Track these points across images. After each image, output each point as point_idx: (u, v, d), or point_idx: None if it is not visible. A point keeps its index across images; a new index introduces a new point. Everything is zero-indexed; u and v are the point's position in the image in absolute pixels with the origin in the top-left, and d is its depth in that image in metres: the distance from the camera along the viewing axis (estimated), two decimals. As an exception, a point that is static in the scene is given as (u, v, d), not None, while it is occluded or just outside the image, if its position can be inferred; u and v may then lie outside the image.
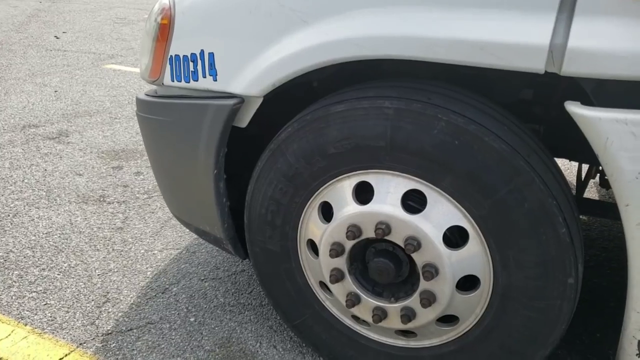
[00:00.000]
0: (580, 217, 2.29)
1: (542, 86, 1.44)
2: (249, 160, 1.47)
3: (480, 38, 0.95)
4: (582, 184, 1.88)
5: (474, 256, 1.16)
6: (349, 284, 1.30)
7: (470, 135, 1.06)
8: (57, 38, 5.82)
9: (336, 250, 1.26)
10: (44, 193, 2.52)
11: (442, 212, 1.15)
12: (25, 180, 2.64)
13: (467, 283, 1.21)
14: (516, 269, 1.13)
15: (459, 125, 1.06)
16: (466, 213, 1.13)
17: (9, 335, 1.64)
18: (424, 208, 1.17)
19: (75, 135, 3.21)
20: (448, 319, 1.27)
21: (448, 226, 1.16)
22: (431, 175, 1.12)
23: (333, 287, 1.33)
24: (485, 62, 0.96)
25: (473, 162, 1.07)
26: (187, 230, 2.16)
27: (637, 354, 1.13)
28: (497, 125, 1.08)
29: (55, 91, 4.06)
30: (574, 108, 0.95)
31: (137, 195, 2.49)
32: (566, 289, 1.11)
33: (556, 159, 2.85)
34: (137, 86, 4.24)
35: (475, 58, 0.97)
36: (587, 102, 0.96)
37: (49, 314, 1.73)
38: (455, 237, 1.19)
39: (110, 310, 1.74)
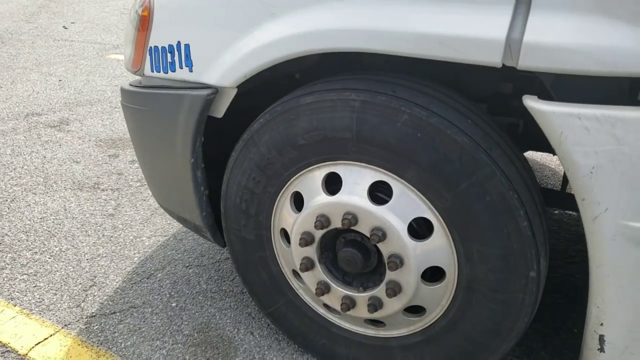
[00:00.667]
0: (569, 212, 2.28)
1: (521, 80, 1.44)
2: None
3: (438, 32, 0.96)
4: (567, 178, 1.88)
5: (439, 248, 1.18)
6: (319, 273, 1.32)
7: (433, 128, 1.07)
8: (66, 28, 5.90)
9: (306, 239, 1.28)
10: (42, 179, 2.57)
11: (407, 204, 1.17)
12: (25, 167, 2.70)
13: (434, 275, 1.23)
14: (479, 261, 1.14)
15: (421, 118, 1.08)
16: (430, 205, 1.15)
17: (-3, 315, 1.69)
18: (389, 199, 1.18)
19: (76, 124, 3.27)
20: (415, 310, 1.29)
21: (413, 217, 1.17)
22: (396, 167, 1.14)
23: (304, 276, 1.35)
24: (444, 55, 0.98)
25: (435, 155, 1.08)
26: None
27: (598, 349, 1.13)
28: (461, 118, 1.09)
29: (60, 80, 4.13)
30: (531, 102, 0.96)
31: (131, 183, 2.54)
32: (528, 282, 1.13)
33: (541, 153, 2.82)
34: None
35: (435, 52, 0.98)
36: (548, 96, 0.97)
37: (38, 296, 1.78)
38: (422, 229, 1.21)
39: (96, 293, 1.79)
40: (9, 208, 2.32)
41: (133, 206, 2.33)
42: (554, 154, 1.77)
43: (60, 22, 6.23)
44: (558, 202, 1.84)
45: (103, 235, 2.12)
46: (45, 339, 1.60)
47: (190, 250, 2.02)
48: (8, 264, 1.95)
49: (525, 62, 0.93)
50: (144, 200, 2.39)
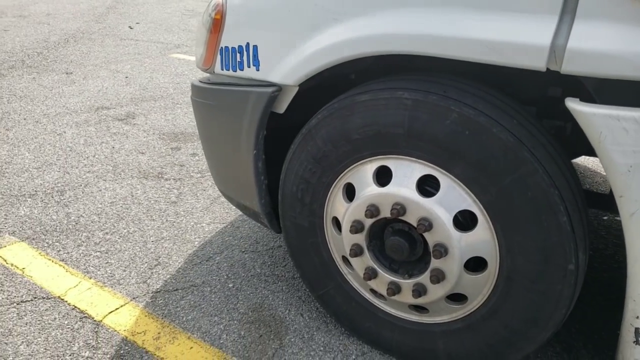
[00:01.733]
0: (618, 218, 2.28)
1: (570, 84, 1.49)
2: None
3: (487, 37, 1.05)
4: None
5: (482, 239, 1.26)
6: (367, 259, 1.42)
7: (480, 126, 1.16)
8: (131, 28, 6.26)
9: (356, 227, 1.39)
10: (111, 168, 2.81)
11: (453, 197, 1.25)
12: (96, 156, 2.95)
13: (477, 265, 1.30)
14: (520, 253, 1.21)
15: (469, 117, 1.16)
16: (475, 199, 1.23)
17: (77, 285, 1.90)
18: (437, 192, 1.27)
19: (141, 118, 3.52)
20: (458, 298, 1.37)
21: (458, 210, 1.26)
22: (444, 162, 1.23)
23: (353, 261, 1.46)
24: (491, 59, 1.06)
25: (481, 152, 1.17)
26: (232, 206, 2.36)
27: (634, 341, 1.18)
28: (507, 118, 1.17)
29: (126, 77, 4.42)
30: (572, 104, 1.03)
31: (192, 174, 2.73)
32: (566, 274, 1.19)
33: (594, 159, 2.79)
34: (199, 74, 4.53)
35: (483, 55, 1.06)
36: (590, 99, 1.04)
37: (109, 271, 1.98)
38: (466, 221, 1.29)
39: (160, 272, 1.97)
40: (83, 192, 2.56)
41: (194, 195, 2.51)
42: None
43: (126, 22, 6.62)
44: (608, 206, 1.85)
45: (167, 220, 2.30)
46: (117, 308, 1.78)
47: (246, 237, 2.17)
48: (83, 242, 2.16)
49: (569, 67, 1.00)
50: (204, 190, 2.57)
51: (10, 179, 2.70)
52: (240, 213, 2.37)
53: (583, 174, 2.71)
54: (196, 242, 2.15)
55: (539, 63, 1.02)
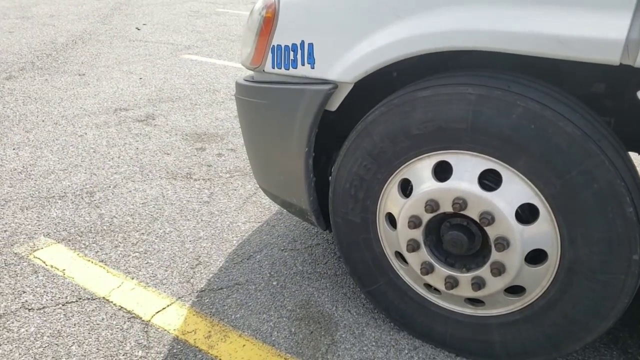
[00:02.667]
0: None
1: (615, 80, 1.51)
2: (334, 140, 1.64)
3: (559, 32, 1.07)
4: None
5: (544, 232, 1.28)
6: (424, 254, 1.44)
7: (546, 120, 1.17)
8: (138, 30, 6.25)
9: (414, 222, 1.40)
10: (138, 169, 2.81)
11: (515, 190, 1.27)
12: (121, 157, 2.95)
13: (536, 256, 1.32)
14: (583, 244, 1.23)
15: (535, 111, 1.18)
16: (538, 192, 1.25)
17: (120, 286, 1.90)
18: (498, 186, 1.29)
19: (161, 119, 3.52)
20: (515, 290, 1.39)
21: (521, 203, 1.27)
22: (507, 156, 1.24)
23: (409, 256, 1.47)
24: (563, 54, 1.08)
25: (547, 145, 1.18)
26: (267, 205, 2.38)
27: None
28: (571, 112, 1.19)
29: (140, 78, 4.41)
30: (646, 96, 1.05)
31: (220, 174, 2.74)
32: (630, 264, 1.21)
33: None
34: (213, 75, 4.53)
35: (555, 50, 1.08)
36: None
37: (151, 271, 1.98)
38: (525, 214, 1.31)
39: (202, 271, 1.97)
40: (112, 194, 2.56)
41: (225, 195, 2.52)
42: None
43: (132, 23, 6.61)
44: None
45: (201, 220, 2.31)
46: (164, 308, 1.79)
47: (283, 236, 2.19)
48: (120, 243, 2.16)
49: (644, 60, 1.02)
50: (235, 190, 2.58)
51: (37, 180, 2.70)
52: (275, 212, 2.38)
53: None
54: (234, 241, 2.16)
55: (613, 57, 1.04)
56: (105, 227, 2.27)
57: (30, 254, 2.11)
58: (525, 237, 1.28)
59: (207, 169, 2.79)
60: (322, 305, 1.78)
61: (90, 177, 2.72)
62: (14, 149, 3.06)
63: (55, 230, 2.26)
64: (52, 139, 3.21)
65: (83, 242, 2.18)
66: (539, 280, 1.33)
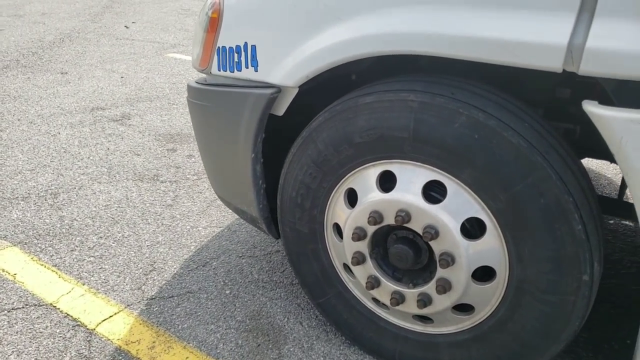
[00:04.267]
0: (625, 222, 2.23)
1: (580, 85, 1.44)
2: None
3: (499, 37, 0.99)
4: (623, 186, 1.85)
5: (491, 248, 1.20)
6: (370, 268, 1.37)
7: (490, 130, 1.10)
8: (127, 28, 6.19)
9: (358, 234, 1.33)
10: (106, 170, 2.74)
11: (460, 204, 1.20)
12: (91, 157, 2.89)
13: (484, 274, 1.25)
14: (531, 262, 1.16)
15: (479, 120, 1.11)
16: (484, 205, 1.17)
17: (70, 292, 1.83)
18: (443, 198, 1.22)
19: (136, 118, 3.45)
20: (464, 308, 1.31)
21: (466, 217, 1.20)
22: (451, 167, 1.17)
23: (355, 269, 1.40)
24: (503, 60, 1.00)
25: (491, 156, 1.11)
26: (229, 210, 2.30)
27: (650, 356, 1.13)
28: (518, 121, 1.12)
29: (122, 77, 4.35)
30: (591, 107, 0.97)
31: (188, 176, 2.67)
32: (581, 285, 1.13)
33: (598, 161, 2.76)
34: (195, 74, 4.46)
35: (495, 56, 1.01)
36: (609, 102, 0.98)
37: (103, 277, 1.92)
38: (474, 228, 1.24)
39: (155, 278, 1.91)
40: (77, 195, 2.49)
41: (190, 198, 2.45)
42: (612, 161, 1.75)
43: (122, 21, 6.55)
44: (614, 210, 1.81)
45: (162, 224, 2.24)
46: (111, 316, 1.72)
47: (243, 242, 2.12)
48: (77, 246, 2.10)
49: (587, 67, 0.94)
50: (201, 192, 2.51)
51: (3, 181, 2.63)
52: (237, 216, 2.31)
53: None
54: (192, 247, 2.09)
55: (554, 64, 0.96)
56: (64, 230, 2.21)
57: (-16, 256, 2.04)
58: (471, 253, 1.21)
59: (175, 171, 2.72)
60: (273, 316, 1.71)
61: (56, 178, 2.66)
62: (-16, 148, 3.01)
63: (13, 233, 2.20)
64: (25, 139, 3.15)
65: (39, 245, 2.11)
66: (488, 299, 1.26)
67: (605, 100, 0.99)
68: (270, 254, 2.04)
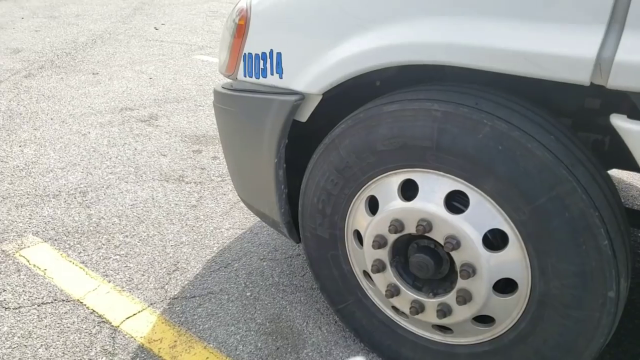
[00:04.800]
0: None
1: (610, 97, 1.41)
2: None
3: (525, 48, 0.98)
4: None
5: (513, 260, 1.19)
6: (390, 276, 1.37)
7: (514, 141, 1.09)
8: (156, 29, 6.31)
9: (379, 242, 1.33)
10: (133, 169, 2.80)
11: (483, 214, 1.19)
12: (118, 157, 2.96)
13: (506, 286, 1.24)
14: (554, 276, 1.14)
15: (503, 131, 1.10)
16: (507, 217, 1.16)
17: (96, 289, 1.88)
18: (466, 209, 1.21)
19: (164, 119, 3.52)
20: (485, 320, 1.30)
21: (488, 229, 1.19)
22: (474, 177, 1.16)
23: (375, 277, 1.40)
24: (529, 72, 0.99)
25: (515, 168, 1.10)
26: (252, 212, 2.32)
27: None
28: (543, 133, 1.10)
29: (150, 78, 4.44)
30: (619, 121, 0.95)
31: (212, 178, 2.71)
32: (606, 302, 1.11)
33: (628, 172, 2.69)
34: (221, 77, 4.52)
35: (519, 68, 1.00)
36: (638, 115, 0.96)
37: (128, 275, 1.96)
38: (496, 240, 1.22)
39: (178, 278, 1.94)
40: (104, 194, 2.56)
41: (214, 199, 2.49)
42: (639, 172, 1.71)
43: (152, 23, 6.68)
44: None
45: (186, 225, 2.28)
46: (134, 314, 1.76)
47: (265, 244, 2.14)
48: (104, 244, 2.15)
49: (616, 81, 0.93)
50: (224, 194, 2.54)
51: (36, 178, 2.72)
52: (260, 219, 2.33)
53: (619, 187, 2.60)
54: (215, 248, 2.12)
55: (582, 77, 0.95)
56: (91, 228, 2.27)
57: (17, 252, 2.11)
58: (493, 264, 1.19)
59: (200, 172, 2.77)
60: (292, 320, 1.72)
61: (85, 177, 2.73)
62: (20, 146, 3.11)
63: (44, 229, 2.27)
64: (57, 137, 3.24)
65: (68, 242, 2.18)
66: (509, 312, 1.24)
67: (635, 113, 0.97)
68: (291, 257, 2.06)
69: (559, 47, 0.96)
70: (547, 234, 1.11)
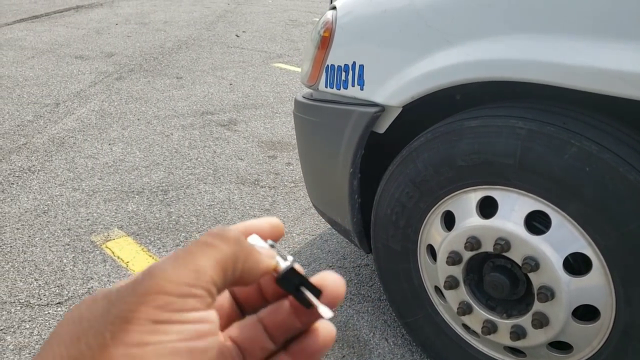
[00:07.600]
0: None
1: None
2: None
3: (618, 68, 0.95)
4: None
5: (596, 287, 1.14)
6: (463, 293, 1.35)
7: (604, 163, 1.05)
8: (237, 37, 6.59)
9: (453, 258, 1.32)
10: (211, 171, 2.95)
11: (565, 237, 1.15)
12: (199, 159, 3.11)
13: (587, 313, 1.18)
14: (642, 308, 1.08)
15: (592, 153, 1.06)
16: (591, 241, 1.11)
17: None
18: (547, 230, 1.17)
19: (242, 125, 3.67)
20: (562, 346, 1.25)
21: (570, 252, 1.15)
22: (557, 198, 1.13)
23: (447, 294, 1.39)
24: (625, 93, 0.96)
25: (603, 191, 1.06)
26: (323, 219, 2.37)
27: None
28: (635, 156, 1.05)
29: (230, 84, 4.64)
30: None
31: (286, 183, 2.79)
32: (700, 339, 1.04)
33: None
34: (298, 84, 4.63)
35: (615, 88, 0.96)
36: None
37: (203, 273, 2.06)
38: (578, 264, 1.18)
39: (250, 278, 2.01)
40: (184, 193, 2.71)
41: (287, 204, 2.56)
42: None
43: (233, 30, 6.97)
44: None
45: (259, 227, 2.36)
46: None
47: (334, 252, 2.17)
48: (182, 242, 2.28)
49: None
50: (296, 200, 2.61)
51: (122, 175, 2.93)
52: (330, 227, 2.37)
53: None
54: (286, 252, 2.18)
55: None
56: (171, 226, 2.41)
57: (103, 243, 2.29)
58: (573, 289, 1.15)
59: (275, 177, 2.86)
60: (359, 329, 1.74)
61: (167, 176, 2.90)
62: (109, 144, 3.36)
63: (128, 224, 2.44)
64: (143, 137, 3.47)
65: (149, 237, 2.32)
66: (589, 340, 1.19)
67: None
68: (359, 266, 2.08)
69: (660, 68, 0.91)
70: (636, 262, 1.06)
